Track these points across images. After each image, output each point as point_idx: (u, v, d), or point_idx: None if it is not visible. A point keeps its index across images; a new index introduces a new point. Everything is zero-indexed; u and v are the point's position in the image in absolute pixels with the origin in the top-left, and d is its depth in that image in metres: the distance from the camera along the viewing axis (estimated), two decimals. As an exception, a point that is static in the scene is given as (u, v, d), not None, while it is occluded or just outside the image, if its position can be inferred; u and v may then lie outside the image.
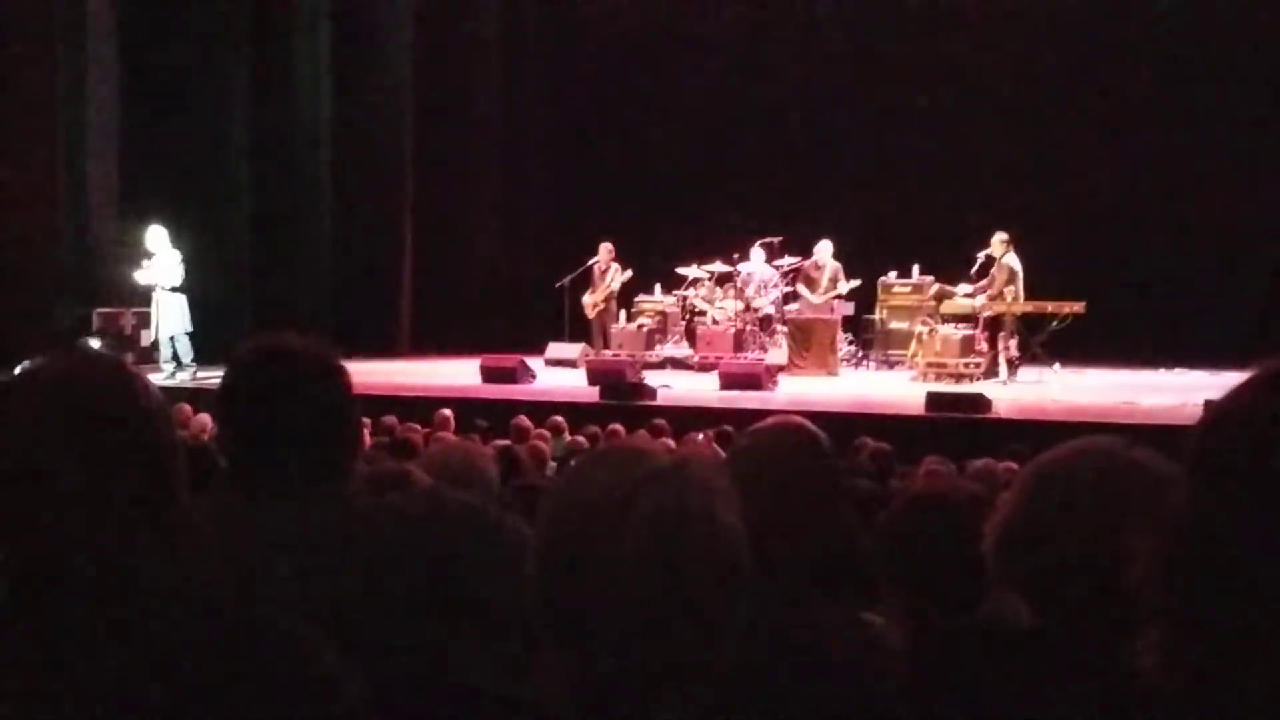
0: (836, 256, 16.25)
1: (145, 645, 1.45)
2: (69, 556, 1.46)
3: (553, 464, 8.24)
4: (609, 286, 16.98)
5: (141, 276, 14.38)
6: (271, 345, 2.21)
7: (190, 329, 14.36)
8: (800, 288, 16.31)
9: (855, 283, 16.17)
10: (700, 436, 9.21)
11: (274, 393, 2.14)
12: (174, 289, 14.32)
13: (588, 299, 17.06)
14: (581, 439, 9.44)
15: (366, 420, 7.74)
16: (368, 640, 1.67)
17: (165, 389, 11.75)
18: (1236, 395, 1.33)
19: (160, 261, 14.30)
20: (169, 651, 1.44)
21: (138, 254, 14.59)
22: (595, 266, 17.06)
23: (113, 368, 1.61)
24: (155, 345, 14.64)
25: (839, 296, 16.14)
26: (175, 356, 14.34)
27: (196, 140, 17.00)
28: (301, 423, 2.12)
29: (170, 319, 14.35)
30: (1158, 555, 1.31)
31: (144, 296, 14.73)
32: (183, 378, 13.98)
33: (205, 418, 9.65)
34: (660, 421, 10.12)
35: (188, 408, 10.03)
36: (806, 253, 16.49)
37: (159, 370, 14.09)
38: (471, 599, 1.73)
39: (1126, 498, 1.73)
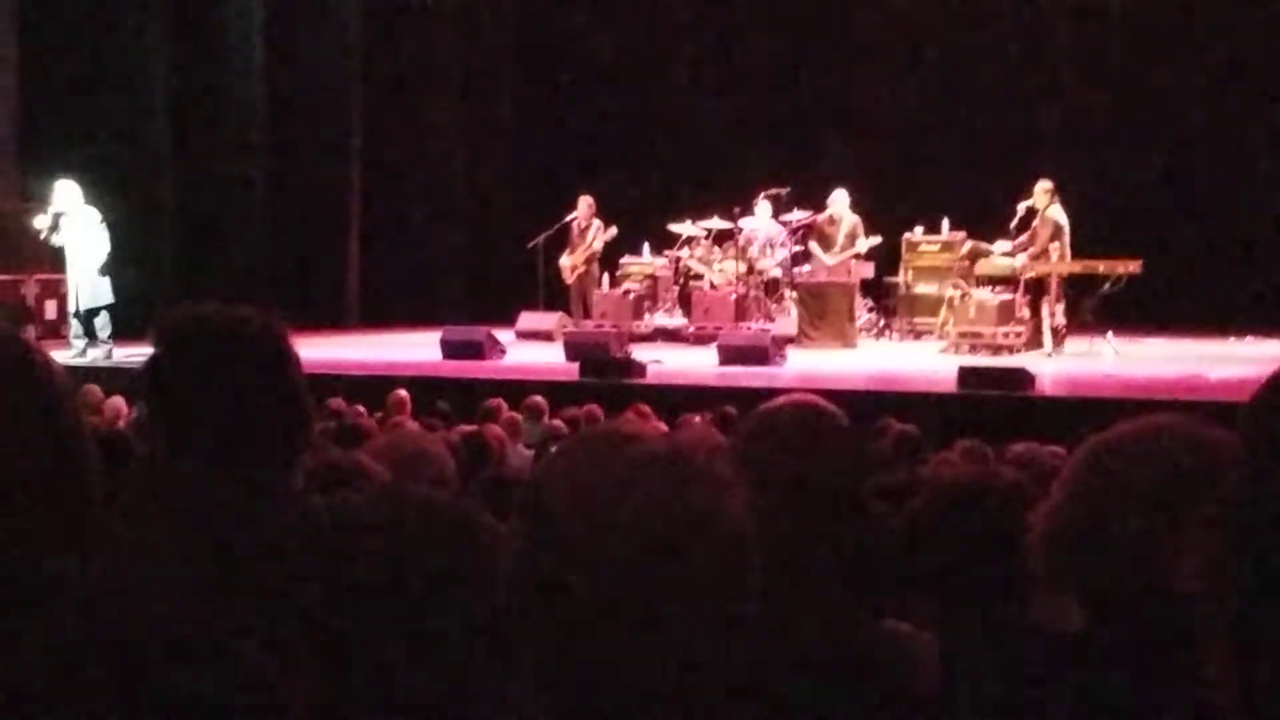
0: (854, 209, 16.26)
1: (55, 662, 1.45)
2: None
3: (526, 452, 8.25)
4: (590, 246, 16.96)
5: (54, 238, 14.34)
6: (205, 314, 2.20)
7: (111, 300, 14.34)
8: (813, 246, 16.31)
9: (875, 239, 16.18)
10: (696, 419, 9.21)
11: (209, 368, 2.13)
12: (105, 264, 14.31)
13: (565, 261, 17.05)
14: (559, 423, 9.45)
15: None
16: (318, 654, 1.67)
17: (72, 369, 11.75)
18: None
19: (75, 222, 14.26)
20: (82, 670, 1.45)
21: (41, 213, 14.56)
22: (574, 223, 17.04)
23: (7, 343, 1.60)
24: (73, 317, 14.61)
25: (857, 256, 16.15)
26: (88, 332, 14.31)
27: (110, 89, 16.95)
28: (241, 403, 2.12)
29: (89, 289, 14.33)
30: (1210, 551, 1.31)
31: (53, 260, 14.72)
32: (95, 355, 13.98)
33: (119, 401, 9.67)
34: (645, 407, 10.10)
35: (98, 390, 10.03)
36: (819, 205, 16.47)
37: (67, 347, 14.07)
38: (437, 608, 1.74)
39: (1195, 486, 1.74)
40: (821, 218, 16.36)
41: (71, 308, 14.52)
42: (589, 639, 1.42)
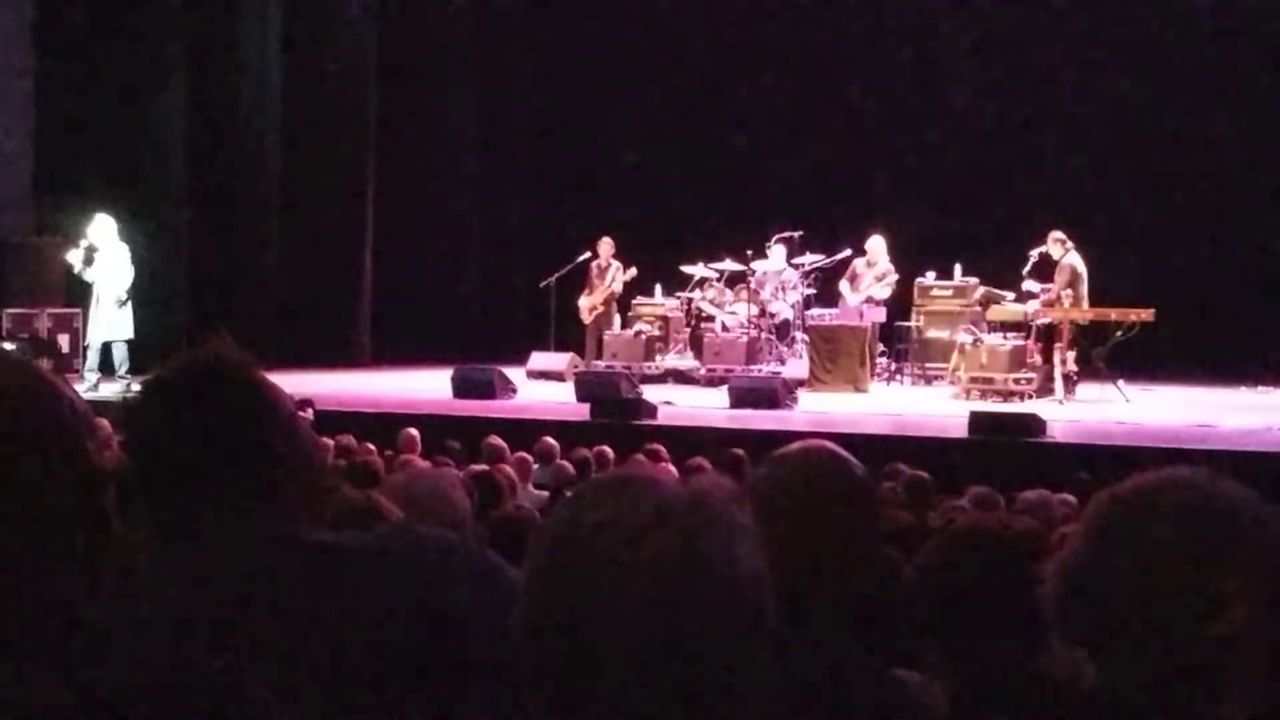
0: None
1: (70, 702, 1.44)
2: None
3: (536, 493, 8.23)
4: (609, 287, 17.00)
5: (86, 273, 14.41)
6: (176, 364, 2.20)
7: (131, 335, 14.40)
8: (843, 286, 16.35)
9: (892, 281, 16.21)
10: (703, 462, 9.18)
11: (175, 418, 2.13)
12: (126, 298, 14.39)
13: (584, 301, 17.09)
14: (567, 465, 9.44)
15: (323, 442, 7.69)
16: (328, 702, 1.66)
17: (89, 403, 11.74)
18: None
19: (106, 256, 14.35)
20: (99, 708, 1.44)
21: (57, 245, 14.63)
22: (594, 264, 17.08)
23: (28, 373, 1.60)
24: (89, 350, 14.65)
25: (871, 300, 16.14)
26: (103, 365, 14.36)
27: (123, 116, 17.02)
28: (205, 453, 2.11)
29: (109, 323, 14.39)
30: (1256, 605, 1.30)
31: (75, 294, 14.80)
32: (110, 390, 14.00)
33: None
34: (657, 446, 10.09)
35: (108, 425, 10.01)
36: (830, 250, 16.51)
37: (80, 380, 14.11)
38: (449, 652, 1.72)
39: (1213, 540, 1.73)
40: (858, 260, 16.37)
41: (87, 340, 14.57)
42: (598, 682, 1.40)
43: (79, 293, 15.51)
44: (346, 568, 1.92)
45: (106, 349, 14.44)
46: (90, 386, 14.07)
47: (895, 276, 16.19)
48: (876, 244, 16.28)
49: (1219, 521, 1.75)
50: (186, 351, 2.23)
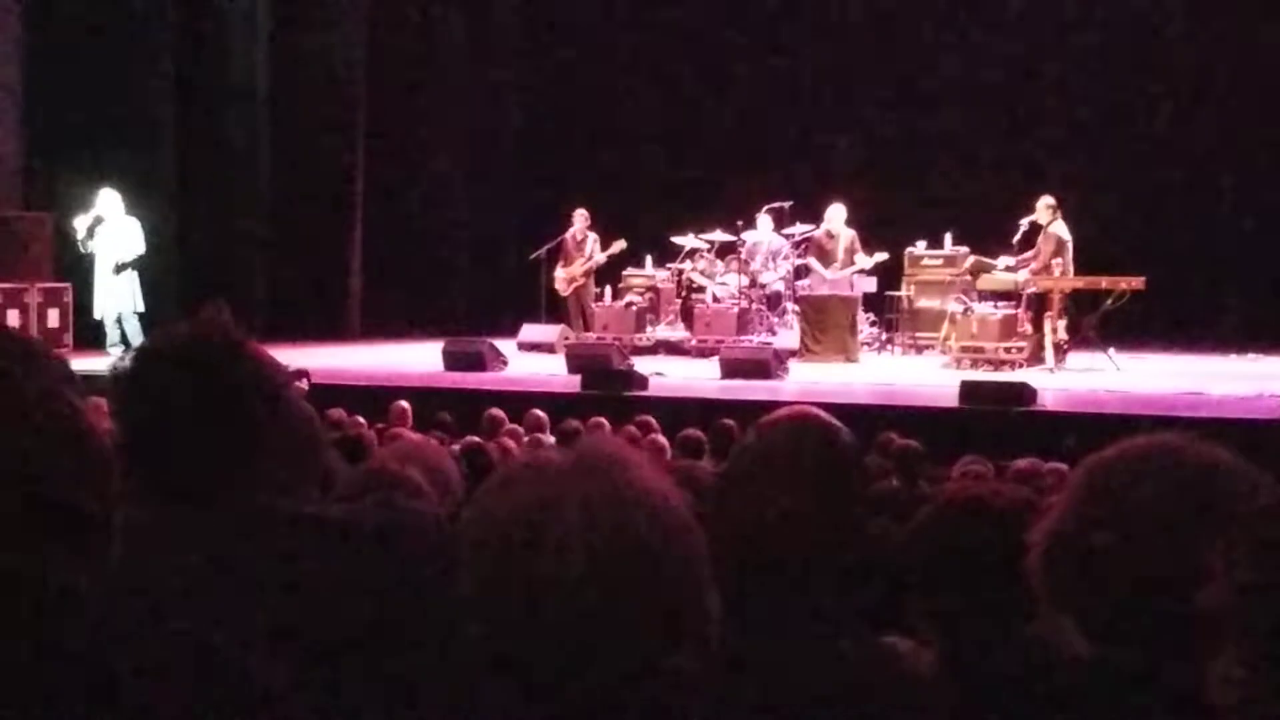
0: (855, 224, 16.28)
1: (67, 671, 1.44)
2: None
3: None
4: (591, 258, 16.99)
5: (88, 245, 14.40)
6: (163, 335, 2.20)
7: (141, 309, 14.42)
8: (812, 261, 16.34)
9: (881, 256, 16.18)
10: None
11: (163, 386, 2.13)
12: (127, 264, 14.39)
13: (560, 273, 17.09)
14: (550, 438, 9.40)
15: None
16: (314, 673, 1.67)
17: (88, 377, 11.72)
18: None
19: (116, 229, 14.35)
20: (94, 680, 1.44)
21: (46, 221, 14.60)
22: (570, 235, 17.07)
23: (16, 342, 1.59)
24: (101, 324, 14.68)
25: (861, 271, 16.15)
26: (124, 338, 14.37)
27: (113, 92, 16.95)
28: (196, 420, 2.11)
29: (120, 296, 14.41)
30: (1240, 572, 1.31)
31: (68, 268, 14.77)
32: None
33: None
34: (648, 417, 10.08)
35: (104, 403, 9.98)
36: (821, 219, 16.49)
37: (106, 353, 14.13)
38: (422, 627, 1.73)
39: (1198, 505, 1.73)
40: (819, 233, 16.39)
41: (100, 314, 14.54)
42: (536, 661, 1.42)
43: (72, 267, 15.50)
44: (320, 540, 1.92)
45: (121, 321, 14.46)
46: (118, 359, 14.03)
47: (855, 236, 16.14)
48: (835, 214, 16.25)
49: (1202, 486, 1.76)
50: (178, 321, 2.23)
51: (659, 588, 1.43)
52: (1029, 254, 14.65)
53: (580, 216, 17.11)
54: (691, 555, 1.47)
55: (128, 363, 2.21)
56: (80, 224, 14.47)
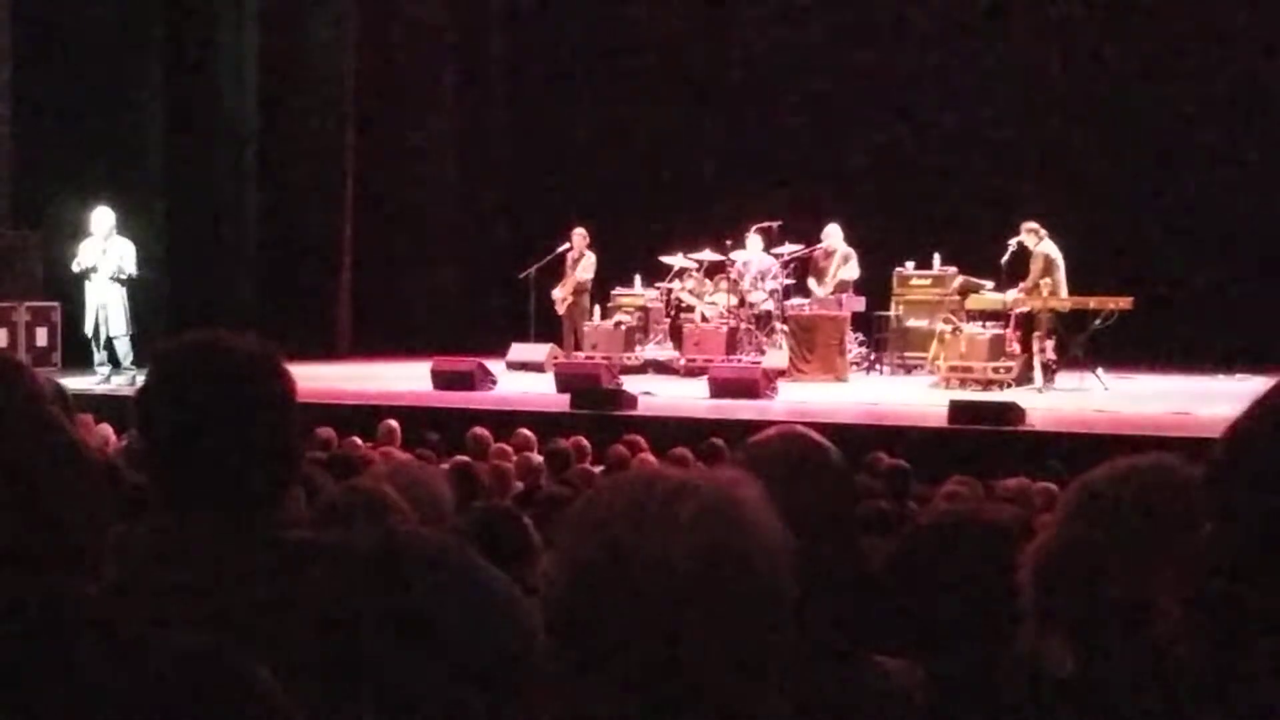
0: (847, 244, 16.33)
1: (72, 687, 1.43)
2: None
3: (520, 486, 8.20)
4: (576, 277, 17.00)
5: (86, 261, 14.29)
6: (202, 341, 2.19)
7: (132, 330, 14.36)
8: (810, 282, 16.37)
9: (854, 269, 16.25)
10: (685, 452, 9.16)
11: (205, 396, 2.12)
12: (120, 281, 14.34)
13: (557, 292, 17.08)
14: (539, 458, 9.37)
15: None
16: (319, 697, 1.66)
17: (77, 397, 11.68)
18: (1260, 412, 1.32)
19: (110, 248, 14.29)
20: (99, 697, 1.43)
21: (34, 239, 14.57)
22: (568, 254, 17.07)
23: (3, 362, 1.59)
24: (95, 342, 14.55)
25: (843, 283, 16.17)
26: (113, 359, 14.31)
27: (102, 112, 16.96)
28: (238, 434, 2.10)
29: (114, 316, 14.35)
30: (1184, 599, 1.31)
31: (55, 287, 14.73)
32: (119, 382, 13.93)
33: (107, 429, 9.59)
34: (636, 436, 10.07)
35: (90, 419, 9.97)
36: (810, 240, 16.52)
37: (94, 372, 14.08)
38: (436, 658, 1.71)
39: (1187, 524, 1.73)
40: (816, 251, 16.41)
41: (90, 331, 14.45)
42: (622, 680, 1.41)
43: (60, 287, 15.46)
44: (333, 567, 1.92)
45: (110, 344, 14.37)
46: (103, 379, 14.03)
47: (854, 254, 16.21)
48: (834, 232, 16.32)
49: (1191, 505, 1.76)
50: (208, 330, 2.21)
51: (759, 627, 1.44)
52: (1026, 283, 14.66)
53: (579, 235, 17.10)
54: (789, 596, 1.48)
55: (162, 371, 2.19)
56: (88, 246, 14.33)
